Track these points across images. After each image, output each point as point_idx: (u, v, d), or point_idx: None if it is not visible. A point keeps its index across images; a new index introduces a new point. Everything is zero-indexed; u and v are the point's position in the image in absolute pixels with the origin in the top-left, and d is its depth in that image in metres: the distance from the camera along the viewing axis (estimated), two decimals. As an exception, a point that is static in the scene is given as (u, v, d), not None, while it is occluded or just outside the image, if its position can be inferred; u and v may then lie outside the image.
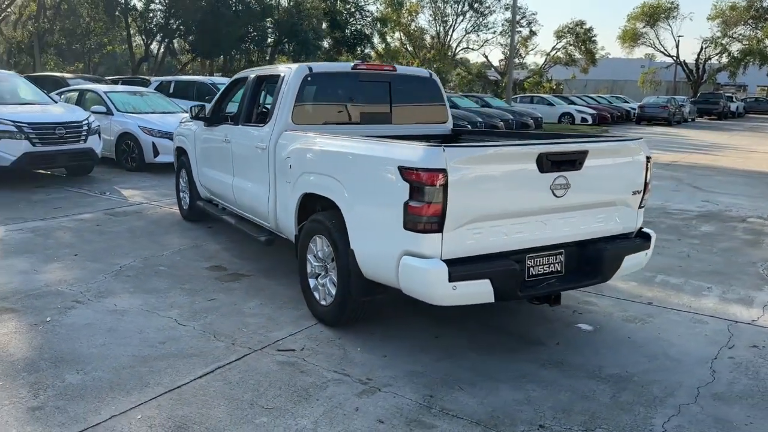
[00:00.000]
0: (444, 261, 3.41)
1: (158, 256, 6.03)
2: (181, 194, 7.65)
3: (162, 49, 32.73)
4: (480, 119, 19.84)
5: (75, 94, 12.90)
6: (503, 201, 3.56)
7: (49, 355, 3.83)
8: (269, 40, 32.23)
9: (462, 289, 3.41)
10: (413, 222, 3.38)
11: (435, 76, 5.71)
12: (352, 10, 36.73)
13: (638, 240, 4.23)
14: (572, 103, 31.22)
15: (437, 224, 3.36)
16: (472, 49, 54.11)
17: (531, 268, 3.78)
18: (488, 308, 4.72)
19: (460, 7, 46.03)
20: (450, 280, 3.36)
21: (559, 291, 3.96)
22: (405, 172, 3.39)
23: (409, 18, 46.07)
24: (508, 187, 3.57)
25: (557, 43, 49.84)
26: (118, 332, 4.20)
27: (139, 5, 29.49)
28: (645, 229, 4.32)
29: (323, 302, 4.34)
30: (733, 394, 3.56)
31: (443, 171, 3.30)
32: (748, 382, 3.70)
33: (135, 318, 4.46)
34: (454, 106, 21.83)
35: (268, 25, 31.00)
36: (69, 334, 4.15)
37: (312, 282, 4.47)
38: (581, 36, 48.94)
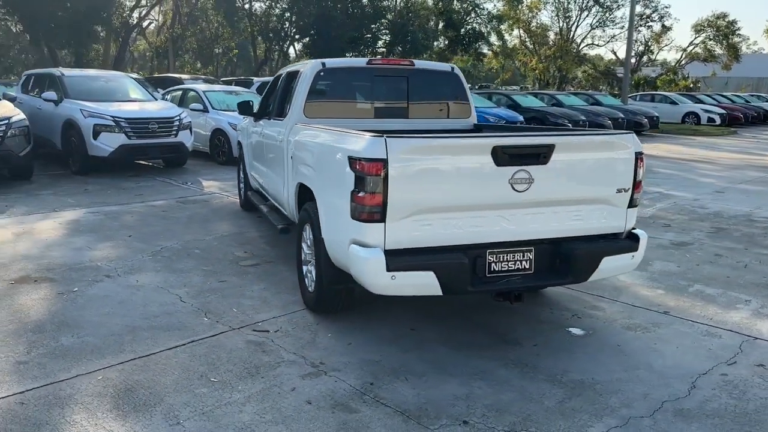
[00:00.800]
0: (389, 251, 3.44)
1: (200, 240, 6.49)
2: (240, 185, 8.15)
3: (282, 52, 34.67)
4: (583, 117, 18.97)
5: (179, 93, 14.06)
6: (454, 194, 3.50)
7: (58, 319, 4.31)
8: (381, 41, 32.87)
9: (402, 279, 3.42)
10: (358, 211, 3.43)
11: (457, 71, 5.65)
12: (469, 8, 36.40)
13: (624, 241, 3.96)
14: (699, 101, 28.87)
15: (379, 214, 3.39)
16: (597, 45, 51.57)
17: (493, 264, 3.68)
18: (476, 305, 4.66)
19: (584, 2, 44.08)
20: (388, 270, 3.39)
21: (520, 289, 3.82)
22: (351, 162, 3.46)
23: (530, 15, 44.83)
24: (459, 180, 3.51)
25: (695, 38, 46.29)
26: (125, 304, 4.63)
27: (258, 8, 31.55)
28: (636, 230, 4.04)
29: (310, 289, 4.50)
30: (701, 412, 3.25)
31: (384, 161, 3.33)
32: (727, 401, 3.36)
33: (147, 293, 4.88)
34: (557, 104, 21.08)
35: (381, 27, 31.64)
36: (85, 303, 4.64)
37: (304, 269, 4.64)
38: (723, 30, 45.06)
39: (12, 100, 10.89)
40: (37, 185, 9.50)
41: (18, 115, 9.47)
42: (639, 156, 3.86)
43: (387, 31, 31.82)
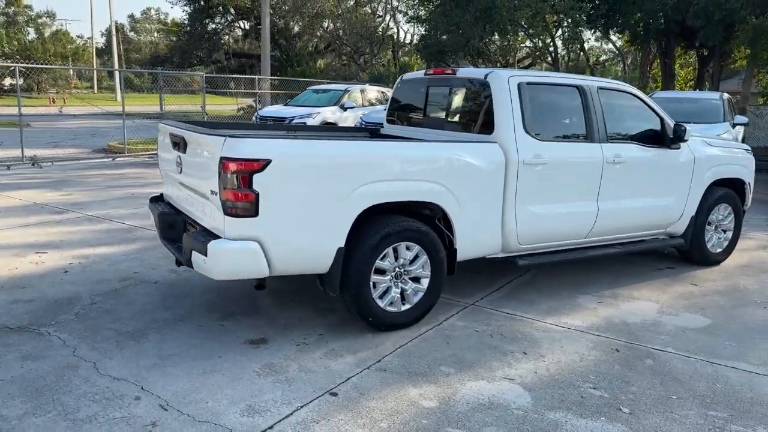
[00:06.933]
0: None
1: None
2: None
3: None
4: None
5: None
6: (164, 164, 4.70)
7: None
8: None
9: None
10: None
11: (493, 78, 4.65)
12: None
13: (203, 240, 3.73)
14: None
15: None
16: None
17: (188, 228, 4.45)
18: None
19: None
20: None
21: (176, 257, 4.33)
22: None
23: None
24: (167, 155, 4.62)
25: None
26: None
27: None
28: (227, 241, 3.66)
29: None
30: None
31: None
32: None
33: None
34: None
35: None
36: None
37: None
38: None
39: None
40: None
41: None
42: (224, 161, 3.55)
43: None
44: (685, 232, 5.86)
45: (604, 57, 53.48)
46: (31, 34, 58.36)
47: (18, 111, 11.44)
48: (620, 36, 29.54)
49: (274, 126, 6.93)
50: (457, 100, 5.25)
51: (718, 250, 6.22)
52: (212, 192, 3.78)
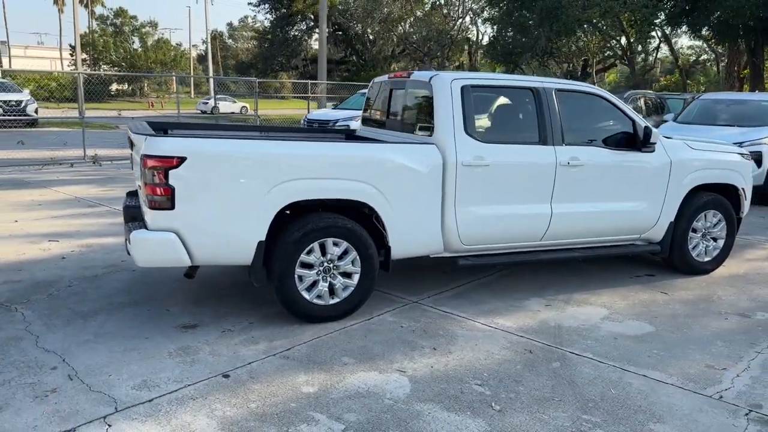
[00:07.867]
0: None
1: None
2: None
3: None
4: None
5: None
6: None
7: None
8: None
9: None
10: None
11: (434, 81, 4.79)
12: None
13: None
14: None
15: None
16: None
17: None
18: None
19: None
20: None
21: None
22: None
23: None
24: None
25: None
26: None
27: None
28: (149, 231, 4.01)
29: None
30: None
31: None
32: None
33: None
34: None
35: None
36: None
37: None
38: None
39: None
40: None
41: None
42: (144, 158, 3.89)
43: None
44: (663, 239, 5.65)
45: (704, 56, 50.70)
46: (136, 43, 62.74)
47: (80, 114, 12.54)
48: (700, 35, 27.94)
49: (228, 127, 7.25)
50: (410, 103, 5.39)
51: (706, 259, 5.93)
52: (139, 186, 4.15)
